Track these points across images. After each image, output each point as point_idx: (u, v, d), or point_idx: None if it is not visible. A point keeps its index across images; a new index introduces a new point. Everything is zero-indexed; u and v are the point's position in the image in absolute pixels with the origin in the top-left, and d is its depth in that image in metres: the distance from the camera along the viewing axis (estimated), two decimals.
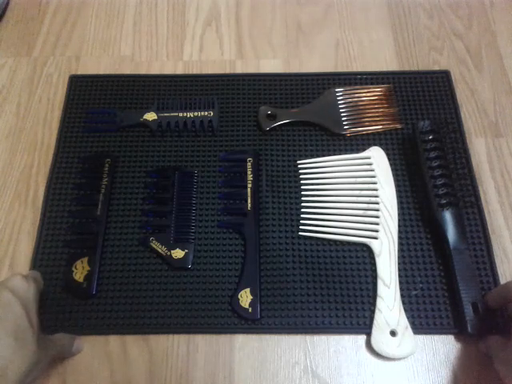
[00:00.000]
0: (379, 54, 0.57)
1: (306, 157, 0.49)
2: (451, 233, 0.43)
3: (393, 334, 0.40)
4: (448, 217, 0.43)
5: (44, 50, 0.58)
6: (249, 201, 0.46)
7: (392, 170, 0.47)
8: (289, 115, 0.51)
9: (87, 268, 0.43)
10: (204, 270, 0.44)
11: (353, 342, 0.42)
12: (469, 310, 0.40)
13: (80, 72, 0.56)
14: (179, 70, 0.56)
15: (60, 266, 0.44)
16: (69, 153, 0.50)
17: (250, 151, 0.49)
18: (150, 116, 0.51)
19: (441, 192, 0.44)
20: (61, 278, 0.43)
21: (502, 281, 0.43)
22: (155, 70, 0.56)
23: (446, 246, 0.43)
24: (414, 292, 0.43)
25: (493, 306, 0.40)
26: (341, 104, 0.52)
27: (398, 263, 0.43)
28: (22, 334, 0.32)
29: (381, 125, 0.51)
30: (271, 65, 0.56)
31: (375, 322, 0.41)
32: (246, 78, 0.54)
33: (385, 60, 0.56)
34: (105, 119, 0.52)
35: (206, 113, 0.51)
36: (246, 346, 0.41)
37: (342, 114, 0.51)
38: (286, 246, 0.45)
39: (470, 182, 0.47)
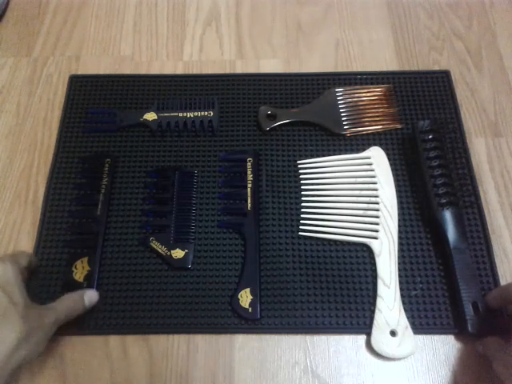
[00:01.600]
0: (379, 53, 0.57)
1: (306, 157, 0.49)
2: (451, 232, 0.43)
3: (393, 334, 0.40)
4: (448, 216, 0.43)
5: (44, 50, 0.58)
6: (249, 201, 0.46)
7: (392, 170, 0.47)
8: (289, 115, 0.51)
9: (87, 268, 0.43)
10: (204, 269, 0.44)
11: (353, 342, 0.42)
12: (469, 310, 0.40)
13: (80, 72, 0.56)
14: (179, 70, 0.56)
15: (60, 265, 0.44)
16: (69, 153, 0.50)
17: (250, 151, 0.49)
18: (150, 116, 0.51)
19: (441, 191, 0.44)
20: (61, 278, 0.43)
21: (502, 281, 0.43)
22: (155, 70, 0.56)
23: (446, 246, 0.43)
24: (414, 292, 0.43)
25: (493, 307, 0.40)
26: (341, 104, 0.52)
27: (398, 263, 0.43)
28: (2, 312, 0.33)
29: (381, 125, 0.51)
30: (271, 65, 0.56)
31: (375, 321, 0.41)
32: (246, 78, 0.54)
33: (385, 60, 0.56)
34: (105, 119, 0.52)
35: (206, 113, 0.51)
36: (246, 346, 0.41)
37: (342, 114, 0.51)
38: (286, 246, 0.45)
39: (470, 182, 0.47)
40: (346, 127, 0.51)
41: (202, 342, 0.42)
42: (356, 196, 0.46)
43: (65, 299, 0.39)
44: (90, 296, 0.41)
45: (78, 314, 0.40)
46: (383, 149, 0.48)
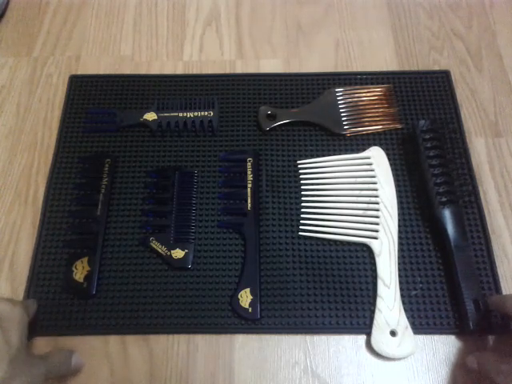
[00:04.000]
0: (379, 53, 0.57)
1: (306, 157, 0.49)
2: (452, 230, 0.43)
3: (393, 334, 0.40)
4: (448, 214, 0.43)
5: (44, 50, 0.58)
6: (249, 201, 0.46)
7: (392, 169, 0.47)
8: (289, 115, 0.51)
9: (87, 268, 0.43)
10: (204, 269, 0.44)
11: (353, 342, 0.42)
12: (470, 307, 0.40)
13: (80, 72, 0.56)
14: (179, 70, 0.56)
15: (60, 265, 0.44)
16: (69, 153, 0.50)
17: (250, 151, 0.49)
18: (150, 116, 0.51)
19: (441, 190, 0.44)
20: (61, 278, 0.44)
21: (502, 281, 0.43)
22: (155, 70, 0.56)
23: (447, 243, 0.43)
24: (414, 292, 0.43)
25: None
26: (341, 104, 0.52)
27: (398, 263, 0.43)
28: None
29: (381, 125, 0.51)
30: (271, 65, 0.56)
31: (375, 321, 0.41)
32: (246, 78, 0.54)
33: (385, 60, 0.56)
34: (105, 119, 0.52)
35: (206, 113, 0.51)
36: (246, 346, 0.41)
37: (342, 114, 0.51)
38: (286, 246, 0.45)
39: (470, 182, 0.47)
40: (346, 127, 0.51)
41: (202, 342, 0.42)
42: (356, 196, 0.46)
43: (54, 354, 0.39)
44: (77, 358, 0.40)
45: (61, 374, 0.39)
46: (383, 149, 0.48)
